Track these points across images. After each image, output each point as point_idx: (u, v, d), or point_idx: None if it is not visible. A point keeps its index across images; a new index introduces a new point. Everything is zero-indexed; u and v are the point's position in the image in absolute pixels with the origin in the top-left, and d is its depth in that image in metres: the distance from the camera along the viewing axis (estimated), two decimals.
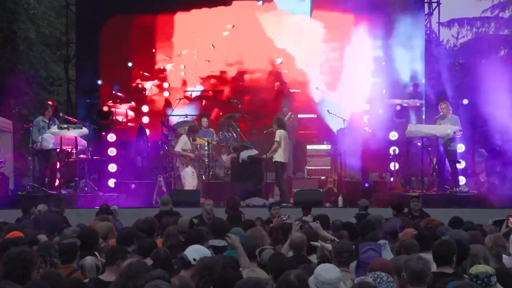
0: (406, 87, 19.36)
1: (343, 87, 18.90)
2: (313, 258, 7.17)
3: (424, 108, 19.29)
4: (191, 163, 15.56)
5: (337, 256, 6.58)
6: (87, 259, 6.48)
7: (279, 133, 15.25)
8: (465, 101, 16.90)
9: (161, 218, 10.02)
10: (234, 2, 20.01)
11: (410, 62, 19.24)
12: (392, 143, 16.58)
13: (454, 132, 15.05)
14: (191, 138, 15.75)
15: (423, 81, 19.54)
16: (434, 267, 6.05)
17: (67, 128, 15.38)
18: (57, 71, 28.94)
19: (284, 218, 9.65)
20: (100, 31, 20.00)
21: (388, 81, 18.88)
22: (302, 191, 15.42)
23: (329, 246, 7.10)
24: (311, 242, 7.29)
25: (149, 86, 20.18)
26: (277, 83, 19.54)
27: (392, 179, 16.24)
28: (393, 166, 16.31)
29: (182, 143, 15.64)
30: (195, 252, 6.14)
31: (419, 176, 16.02)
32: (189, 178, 15.43)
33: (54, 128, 15.35)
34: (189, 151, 15.59)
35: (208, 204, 11.69)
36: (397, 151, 16.47)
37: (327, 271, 5.62)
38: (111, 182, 16.47)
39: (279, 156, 15.26)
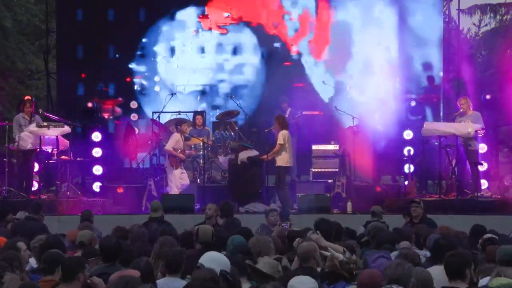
0: (421, 81, 19.36)
1: (353, 81, 18.89)
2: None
3: (442, 104, 19.30)
4: (181, 165, 15.57)
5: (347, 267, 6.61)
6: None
7: (283, 135, 15.22)
8: (488, 96, 16.90)
9: (150, 226, 10.03)
10: None
11: (426, 53, 19.25)
12: (407, 142, 16.58)
13: (475, 131, 15.05)
14: (183, 136, 15.75)
15: (441, 74, 19.55)
16: (443, 281, 6.08)
17: (47, 127, 15.38)
18: (36, 63, 28.94)
19: (286, 226, 9.66)
20: (83, 18, 20.00)
21: (402, 74, 18.88)
22: (307, 196, 15.42)
23: (339, 255, 7.13)
24: (321, 251, 7.32)
25: (138, 80, 20.18)
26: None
27: (406, 182, 16.24)
28: (408, 168, 16.31)
29: (174, 142, 15.65)
30: (212, 261, 6.18)
31: (437, 180, 16.02)
32: (176, 182, 15.42)
33: (33, 126, 15.34)
34: (179, 151, 15.61)
35: (209, 208, 11.65)
36: (412, 152, 16.47)
37: (301, 282, 5.64)
38: (96, 186, 16.47)
39: (282, 159, 15.22)
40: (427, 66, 19.35)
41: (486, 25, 32.68)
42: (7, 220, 12.03)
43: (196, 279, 5.18)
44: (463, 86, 18.63)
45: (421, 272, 6.01)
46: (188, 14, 20.18)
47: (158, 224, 11.13)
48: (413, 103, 17.28)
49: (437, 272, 6.35)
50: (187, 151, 16.39)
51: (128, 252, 7.49)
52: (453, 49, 20.54)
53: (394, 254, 7.24)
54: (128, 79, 20.03)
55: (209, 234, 8.54)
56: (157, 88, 20.08)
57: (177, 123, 16.12)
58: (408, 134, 16.61)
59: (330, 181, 16.89)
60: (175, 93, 19.12)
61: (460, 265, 6.06)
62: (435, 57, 19.41)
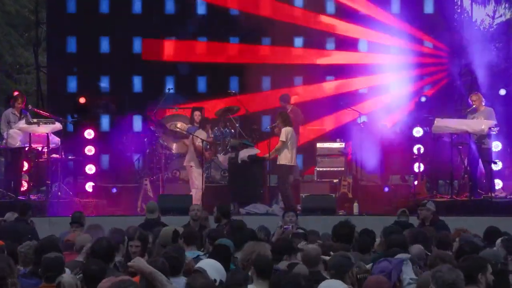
0: (432, 75, 19.37)
1: (359, 75, 18.91)
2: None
3: (453, 100, 19.31)
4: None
5: (333, 271, 6.63)
6: (65, 276, 6.49)
7: (286, 132, 15.20)
8: (502, 92, 16.90)
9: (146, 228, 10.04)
10: None
11: (438, 46, 19.25)
12: (416, 140, 16.57)
13: (489, 128, 15.05)
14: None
15: (453, 68, 19.55)
16: None
17: (37, 123, 15.38)
18: (25, 56, 28.97)
19: (288, 228, 9.68)
20: (75, 9, 20.00)
21: (412, 68, 18.88)
22: (311, 196, 15.44)
23: None
24: (322, 256, 7.34)
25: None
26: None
27: (416, 182, 16.23)
28: (417, 167, 16.30)
29: (204, 137, 15.59)
30: (215, 270, 6.25)
31: (448, 179, 16.03)
32: (200, 183, 15.39)
33: (22, 123, 15.34)
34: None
35: (193, 209, 11.65)
36: (422, 150, 16.47)
37: (331, 287, 5.66)
38: (89, 186, 16.49)
39: (285, 158, 15.19)
40: (438, 60, 19.35)
41: (500, 16, 32.64)
42: None
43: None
44: (476, 80, 18.62)
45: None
46: None
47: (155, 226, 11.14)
48: (423, 99, 17.28)
49: None
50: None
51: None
52: (465, 42, 20.53)
53: (405, 256, 7.25)
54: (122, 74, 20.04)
55: (170, 237, 8.64)
56: None
57: (205, 121, 16.13)
58: (417, 131, 16.60)
59: (335, 180, 16.89)
60: (172, 88, 19.10)
61: (472, 269, 6.08)
62: (447, 50, 19.41)
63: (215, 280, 6.13)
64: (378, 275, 6.43)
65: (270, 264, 6.65)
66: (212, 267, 6.29)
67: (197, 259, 7.41)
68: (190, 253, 7.91)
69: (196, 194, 15.34)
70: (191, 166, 15.60)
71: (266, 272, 6.44)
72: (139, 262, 6.31)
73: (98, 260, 6.74)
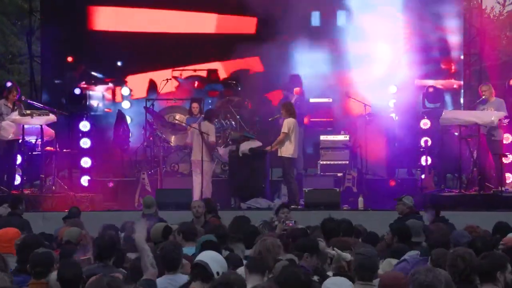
0: (440, 65, 19.34)
1: (364, 65, 18.87)
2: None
3: (462, 91, 19.28)
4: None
5: (359, 270, 6.61)
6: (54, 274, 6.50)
7: (288, 123, 15.20)
8: None
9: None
10: None
11: (445, 35, 19.20)
12: (424, 132, 16.59)
13: (499, 120, 15.04)
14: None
15: (462, 57, 19.52)
16: None
17: (31, 115, 15.37)
18: (18, 45, 28.94)
19: (291, 224, 9.68)
20: None
21: (419, 57, 18.86)
22: (314, 190, 15.44)
23: (347, 255, 7.14)
24: (327, 250, 7.35)
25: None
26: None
27: (423, 176, 16.26)
28: (425, 160, 16.32)
29: (213, 130, 15.62)
30: (216, 263, 6.25)
31: (456, 173, 16.03)
32: (209, 177, 15.42)
33: (15, 115, 15.33)
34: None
35: (193, 206, 11.68)
36: (429, 143, 16.49)
37: (336, 284, 5.64)
38: (84, 180, 16.50)
39: (286, 150, 15.22)
40: (447, 50, 19.31)
41: (511, 3, 32.58)
42: None
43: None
44: (486, 71, 18.61)
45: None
46: None
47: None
48: (431, 90, 17.26)
49: None
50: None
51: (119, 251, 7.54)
52: (474, 31, 20.49)
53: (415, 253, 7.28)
54: (119, 63, 20.01)
55: (159, 232, 8.68)
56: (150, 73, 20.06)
57: (214, 114, 16.14)
58: (425, 124, 16.61)
59: (339, 174, 16.90)
60: (170, 79, 19.09)
61: (491, 268, 6.08)
62: (456, 40, 19.36)
63: (217, 273, 6.14)
64: (395, 271, 6.43)
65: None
66: (213, 259, 6.31)
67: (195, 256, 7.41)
68: (188, 249, 7.92)
69: (208, 187, 15.35)
70: (205, 161, 15.51)
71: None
72: (139, 237, 6.70)
73: (74, 263, 6.71)
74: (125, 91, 19.60)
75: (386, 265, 7.54)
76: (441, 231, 8.69)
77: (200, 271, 6.25)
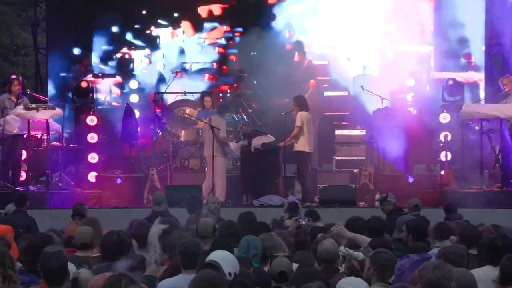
0: (460, 57, 19.29)
1: (381, 57, 18.84)
2: None
3: (483, 84, 19.22)
4: None
5: (379, 270, 6.60)
6: (81, 271, 6.50)
7: (302, 116, 15.24)
8: None
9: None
10: None
11: (466, 25, 19.14)
12: (443, 127, 16.55)
13: None
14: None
15: (483, 49, 19.46)
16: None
17: (36, 109, 15.42)
18: (23, 37, 29.01)
19: (304, 222, 9.70)
20: None
21: (438, 49, 18.82)
22: (329, 187, 15.45)
23: (359, 255, 7.14)
24: (338, 250, 7.36)
25: (139, 56, 20.21)
26: (297, 53, 19.49)
27: (443, 172, 16.23)
28: (444, 156, 16.30)
29: (224, 125, 15.65)
30: (228, 263, 6.27)
31: (478, 169, 15.98)
32: (222, 172, 15.48)
33: (20, 109, 15.38)
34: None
35: (212, 202, 11.72)
36: (449, 137, 16.45)
37: (351, 284, 5.63)
38: (92, 176, 16.53)
39: (301, 145, 15.27)
40: (467, 41, 19.25)
41: None
42: None
43: None
44: (508, 63, 18.52)
45: (463, 275, 6.01)
46: None
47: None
48: (450, 83, 17.22)
49: (483, 274, 6.37)
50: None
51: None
52: (497, 21, 20.40)
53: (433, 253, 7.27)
54: (127, 55, 20.04)
55: (210, 227, 8.64)
56: (160, 66, 20.10)
57: (226, 109, 16.16)
58: (444, 118, 16.58)
59: (355, 170, 16.91)
60: (180, 71, 19.13)
61: None
62: (477, 30, 19.29)
63: (229, 274, 6.15)
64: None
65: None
66: (225, 259, 6.32)
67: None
68: None
69: (220, 183, 15.37)
70: (216, 157, 15.53)
71: None
72: (153, 233, 7.11)
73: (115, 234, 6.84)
74: (133, 84, 19.64)
75: None
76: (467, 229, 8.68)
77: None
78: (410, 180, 16.06)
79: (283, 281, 6.67)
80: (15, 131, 15.42)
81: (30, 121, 15.37)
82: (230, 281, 5.79)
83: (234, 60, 19.83)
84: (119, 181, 16.23)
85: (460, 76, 18.24)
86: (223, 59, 20.01)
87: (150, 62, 20.14)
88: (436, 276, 5.48)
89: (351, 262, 7.14)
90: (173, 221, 9.50)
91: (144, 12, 20.02)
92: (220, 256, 6.36)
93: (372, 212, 13.27)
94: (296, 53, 18.30)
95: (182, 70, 19.48)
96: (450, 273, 5.60)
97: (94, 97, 17.76)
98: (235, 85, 19.29)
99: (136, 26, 20.06)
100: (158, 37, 20.20)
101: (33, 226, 11.49)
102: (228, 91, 19.44)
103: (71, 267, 6.86)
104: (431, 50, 18.95)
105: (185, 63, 20.01)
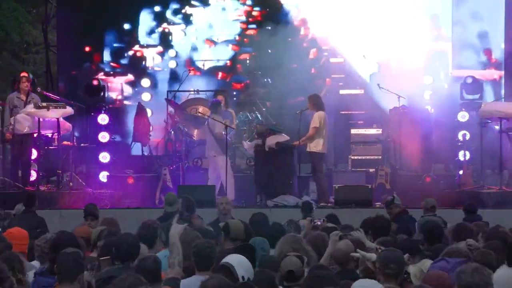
0: (479, 54, 19.21)
1: (399, 54, 18.81)
2: None
3: (503, 81, 19.14)
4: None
5: (381, 267, 6.61)
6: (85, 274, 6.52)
7: (319, 117, 15.20)
8: None
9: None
10: None
11: (485, 20, 19.06)
12: (462, 126, 16.50)
13: None
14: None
15: (503, 46, 19.38)
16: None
17: (47, 108, 15.46)
18: (34, 34, 29.08)
19: (319, 223, 9.68)
20: None
21: (456, 46, 18.76)
22: (345, 187, 15.43)
23: (372, 256, 7.13)
24: (351, 254, 7.34)
25: (151, 54, 20.24)
26: (313, 50, 19.50)
27: (461, 172, 16.17)
28: (463, 155, 16.24)
29: (221, 125, 15.67)
30: (242, 267, 6.30)
31: (497, 169, 15.93)
32: (223, 171, 15.47)
33: (30, 108, 15.42)
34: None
35: (221, 203, 11.70)
36: (468, 137, 16.40)
37: (366, 287, 5.62)
38: (103, 176, 16.56)
39: (316, 145, 15.23)
40: (487, 37, 19.17)
41: None
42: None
43: None
44: None
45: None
46: None
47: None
48: (469, 80, 17.15)
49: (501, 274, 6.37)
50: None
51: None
52: None
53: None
54: (139, 53, 20.08)
55: (242, 230, 8.64)
56: (172, 63, 20.12)
57: (216, 104, 16.17)
58: (463, 116, 16.52)
59: (371, 170, 16.89)
60: (192, 69, 19.14)
61: None
62: (497, 26, 19.21)
63: (242, 278, 6.16)
64: (439, 271, 6.49)
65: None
66: (239, 263, 6.33)
67: None
68: None
69: (229, 182, 15.40)
70: (214, 156, 15.60)
71: None
72: (174, 233, 6.95)
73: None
74: (145, 82, 19.67)
75: (422, 265, 7.51)
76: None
77: (226, 274, 6.26)
78: (428, 180, 16.02)
79: (292, 281, 6.64)
80: (25, 130, 15.45)
81: (40, 120, 15.41)
82: (236, 284, 5.80)
83: (248, 57, 19.84)
84: (130, 181, 16.26)
85: (480, 74, 18.15)
86: (236, 57, 20.02)
87: (162, 60, 20.17)
88: (475, 280, 5.48)
89: (366, 264, 7.13)
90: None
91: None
92: (236, 260, 6.37)
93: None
94: (312, 50, 18.27)
95: (195, 68, 19.50)
96: (489, 277, 5.60)
97: (106, 95, 17.78)
98: (248, 83, 19.29)
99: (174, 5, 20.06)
100: (170, 34, 20.24)
101: (42, 226, 11.51)
102: (242, 89, 19.42)
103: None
104: (449, 46, 18.88)
105: (198, 60, 20.03)
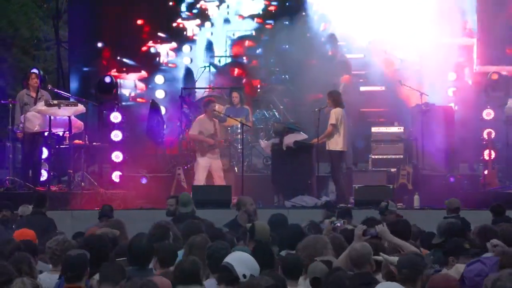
0: (504, 49, 19.15)
1: (421, 50, 18.76)
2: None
3: None
4: (210, 152, 15.64)
5: (397, 271, 6.63)
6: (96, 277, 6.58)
7: (336, 113, 15.20)
8: None
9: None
10: None
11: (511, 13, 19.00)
12: (487, 124, 16.46)
13: None
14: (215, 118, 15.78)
15: None
16: None
17: (58, 105, 15.49)
18: (44, 30, 29.17)
19: (339, 224, 9.67)
20: None
21: (481, 41, 18.70)
22: (365, 187, 15.41)
23: (395, 259, 7.12)
24: (374, 256, 7.33)
25: (165, 50, 20.28)
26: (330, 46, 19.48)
27: (486, 171, 16.13)
28: (488, 154, 16.19)
29: (198, 125, 15.71)
30: (243, 264, 6.27)
31: None
32: (199, 174, 15.52)
33: (41, 105, 15.46)
34: (207, 135, 15.64)
35: (251, 203, 11.72)
36: (493, 135, 16.35)
37: None
38: (116, 176, 16.61)
39: (335, 143, 15.23)
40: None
41: None
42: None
43: None
44: None
45: None
46: None
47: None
48: (494, 76, 17.10)
49: None
50: (218, 138, 16.39)
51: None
52: None
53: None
54: (153, 49, 20.12)
55: (267, 232, 8.67)
56: (187, 60, 20.16)
57: (205, 103, 16.18)
58: (488, 114, 16.49)
59: (393, 170, 16.85)
60: (208, 66, 19.17)
61: None
62: None
63: (244, 276, 6.15)
64: (446, 273, 6.42)
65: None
66: (240, 261, 6.32)
67: None
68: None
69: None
70: (201, 158, 15.88)
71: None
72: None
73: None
74: (159, 79, 19.70)
75: (453, 270, 7.48)
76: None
77: (225, 274, 6.28)
78: (451, 180, 15.99)
79: (317, 287, 6.67)
80: (35, 129, 15.50)
81: (51, 118, 15.45)
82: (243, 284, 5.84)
83: (264, 54, 19.85)
84: (144, 181, 16.30)
85: (506, 70, 18.11)
86: (253, 52, 20.03)
87: (177, 56, 20.21)
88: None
89: (388, 268, 7.12)
90: (197, 223, 9.46)
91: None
92: (236, 258, 6.37)
93: (411, 214, 13.28)
94: (330, 46, 18.26)
95: (210, 65, 19.53)
96: None
97: (118, 92, 17.86)
98: (265, 80, 19.29)
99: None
100: (185, 30, 20.26)
101: (52, 227, 11.54)
102: (259, 86, 19.43)
103: None
104: (473, 42, 18.82)
105: (214, 56, 20.06)
